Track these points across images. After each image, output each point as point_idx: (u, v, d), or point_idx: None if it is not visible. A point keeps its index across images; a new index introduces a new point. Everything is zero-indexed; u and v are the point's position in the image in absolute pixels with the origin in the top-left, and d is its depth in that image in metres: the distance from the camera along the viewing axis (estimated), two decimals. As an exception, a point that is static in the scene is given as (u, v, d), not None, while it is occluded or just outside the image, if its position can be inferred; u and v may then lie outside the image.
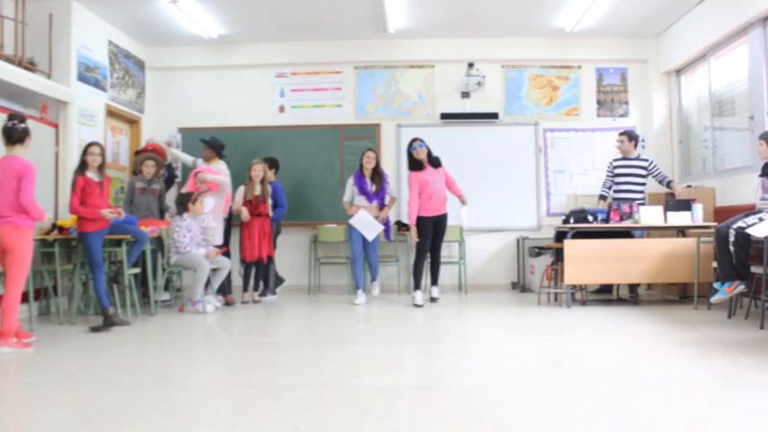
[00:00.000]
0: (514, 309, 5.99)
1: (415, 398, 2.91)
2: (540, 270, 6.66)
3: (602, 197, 6.68)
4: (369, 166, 6.47)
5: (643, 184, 6.48)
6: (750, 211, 4.98)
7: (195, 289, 5.83)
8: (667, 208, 5.91)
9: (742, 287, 4.77)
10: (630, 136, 6.57)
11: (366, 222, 6.37)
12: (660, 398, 2.80)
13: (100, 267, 4.95)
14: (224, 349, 4.27)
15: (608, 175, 6.70)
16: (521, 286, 7.54)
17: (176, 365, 3.66)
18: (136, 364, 3.72)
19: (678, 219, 5.86)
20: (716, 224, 5.79)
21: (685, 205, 5.93)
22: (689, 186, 6.66)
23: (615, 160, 6.67)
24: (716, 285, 4.91)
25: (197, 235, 6.01)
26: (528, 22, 7.28)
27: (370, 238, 6.39)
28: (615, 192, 6.58)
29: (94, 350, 4.10)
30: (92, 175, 5.01)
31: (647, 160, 6.52)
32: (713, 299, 4.91)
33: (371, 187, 6.50)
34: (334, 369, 3.46)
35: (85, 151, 5.04)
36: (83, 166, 5.01)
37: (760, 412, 2.59)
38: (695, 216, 5.84)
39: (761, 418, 2.52)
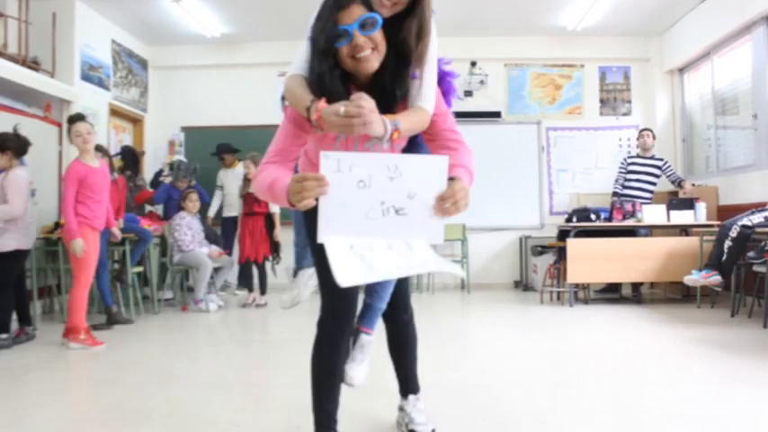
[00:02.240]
0: (517, 307, 6.00)
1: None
2: (543, 269, 6.66)
3: (616, 194, 6.56)
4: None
5: (654, 184, 6.48)
6: (756, 208, 4.97)
7: (198, 288, 5.84)
8: (670, 207, 5.91)
9: (717, 279, 4.86)
10: (653, 133, 6.60)
11: None
12: (663, 396, 2.80)
13: (104, 266, 4.96)
14: (226, 348, 4.28)
15: (621, 172, 6.65)
16: (523, 285, 7.53)
17: (179, 364, 3.67)
18: (139, 363, 3.73)
19: (681, 217, 5.86)
20: (719, 222, 5.80)
21: (688, 204, 5.92)
22: (692, 185, 6.65)
23: (630, 157, 6.68)
24: (693, 271, 5.01)
25: (198, 233, 6.02)
26: (530, 21, 7.27)
27: None
28: (625, 188, 6.57)
29: (97, 349, 4.12)
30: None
31: (661, 159, 6.54)
32: (686, 278, 5.05)
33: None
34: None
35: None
36: None
37: (763, 411, 2.59)
38: (698, 215, 5.84)
39: (764, 417, 2.52)
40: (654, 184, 6.47)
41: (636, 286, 6.42)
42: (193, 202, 6.05)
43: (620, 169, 6.67)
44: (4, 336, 4.18)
